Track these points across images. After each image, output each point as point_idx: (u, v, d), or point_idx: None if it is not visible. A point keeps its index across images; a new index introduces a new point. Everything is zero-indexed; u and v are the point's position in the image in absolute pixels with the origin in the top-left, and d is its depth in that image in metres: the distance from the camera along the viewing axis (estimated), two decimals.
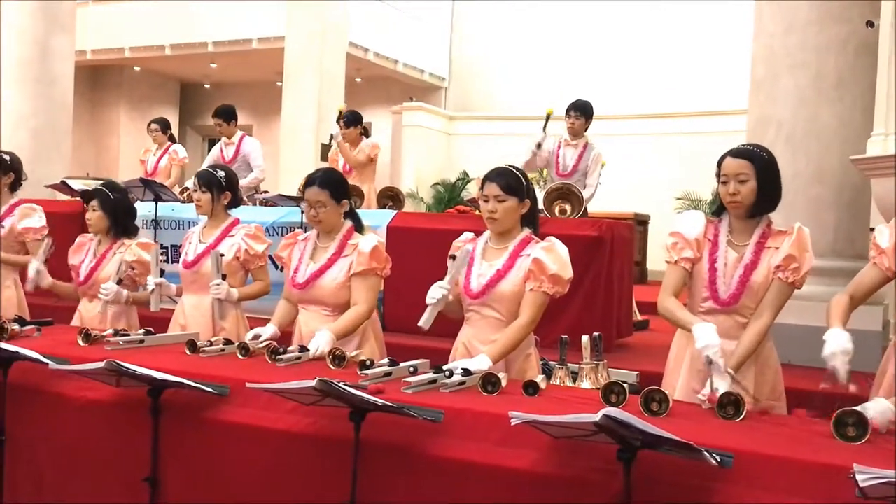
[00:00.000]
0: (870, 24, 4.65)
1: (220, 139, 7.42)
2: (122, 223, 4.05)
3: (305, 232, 3.58)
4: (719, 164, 2.82)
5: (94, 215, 4.03)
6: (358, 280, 3.29)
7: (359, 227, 3.42)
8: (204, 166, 4.45)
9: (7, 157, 4.43)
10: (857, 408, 2.15)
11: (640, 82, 13.95)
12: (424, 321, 2.95)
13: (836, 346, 2.43)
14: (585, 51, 14.41)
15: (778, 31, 5.24)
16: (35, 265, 4.02)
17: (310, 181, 3.38)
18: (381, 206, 6.91)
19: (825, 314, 2.63)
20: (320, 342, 3.08)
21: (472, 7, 15.88)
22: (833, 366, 2.41)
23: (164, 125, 7.68)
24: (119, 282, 3.87)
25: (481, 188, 3.07)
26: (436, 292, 2.95)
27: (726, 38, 12.73)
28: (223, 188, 3.84)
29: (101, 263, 4.01)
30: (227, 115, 7.22)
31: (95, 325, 3.96)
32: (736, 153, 2.80)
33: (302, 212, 5.81)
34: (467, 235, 3.22)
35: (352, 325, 3.26)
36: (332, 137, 7.18)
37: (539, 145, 6.01)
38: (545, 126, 6.03)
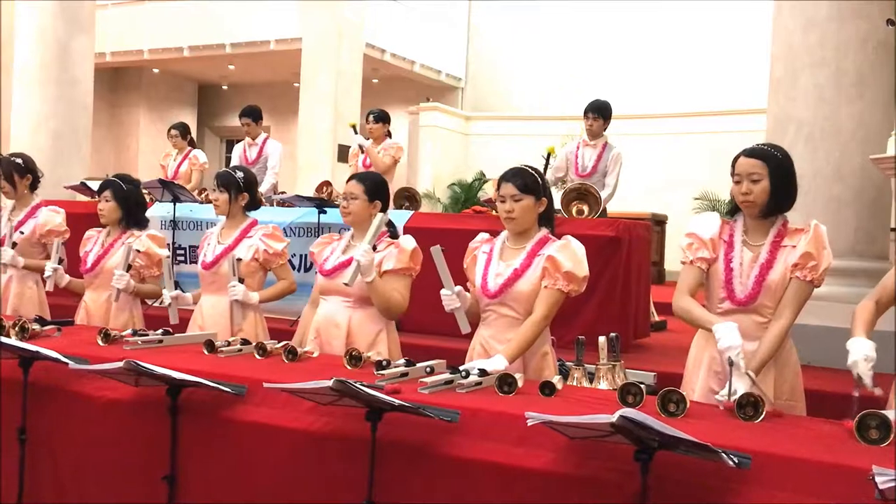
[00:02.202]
0: (890, 22, 4.61)
1: (238, 140, 7.48)
2: (133, 214, 4.11)
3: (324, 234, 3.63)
4: (733, 163, 2.80)
5: (106, 206, 4.08)
6: (394, 277, 3.29)
7: (393, 234, 3.42)
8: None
9: (21, 160, 4.50)
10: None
11: (657, 81, 13.87)
12: (462, 327, 2.98)
13: (859, 354, 2.44)
14: (602, 50, 14.36)
15: (797, 28, 5.20)
16: (50, 266, 4.05)
17: (351, 177, 3.52)
18: (398, 206, 6.91)
19: (850, 320, 2.62)
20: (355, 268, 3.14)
21: (488, 7, 15.87)
22: (857, 374, 2.41)
23: (184, 130, 7.75)
24: (128, 268, 3.88)
25: (498, 188, 3.07)
26: (447, 299, 2.95)
27: (745, 37, 12.64)
28: (241, 189, 3.86)
29: (109, 252, 4.05)
30: (256, 114, 7.37)
31: (101, 316, 4.02)
32: (749, 153, 2.78)
33: (319, 213, 5.85)
34: (483, 236, 3.22)
35: (387, 297, 3.26)
36: (361, 148, 7.12)
37: (546, 166, 5.92)
38: (545, 167, 5.91)
